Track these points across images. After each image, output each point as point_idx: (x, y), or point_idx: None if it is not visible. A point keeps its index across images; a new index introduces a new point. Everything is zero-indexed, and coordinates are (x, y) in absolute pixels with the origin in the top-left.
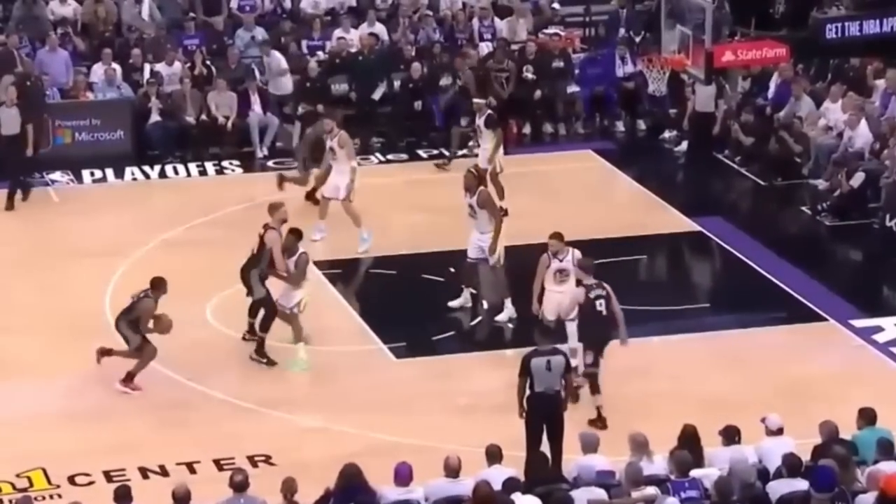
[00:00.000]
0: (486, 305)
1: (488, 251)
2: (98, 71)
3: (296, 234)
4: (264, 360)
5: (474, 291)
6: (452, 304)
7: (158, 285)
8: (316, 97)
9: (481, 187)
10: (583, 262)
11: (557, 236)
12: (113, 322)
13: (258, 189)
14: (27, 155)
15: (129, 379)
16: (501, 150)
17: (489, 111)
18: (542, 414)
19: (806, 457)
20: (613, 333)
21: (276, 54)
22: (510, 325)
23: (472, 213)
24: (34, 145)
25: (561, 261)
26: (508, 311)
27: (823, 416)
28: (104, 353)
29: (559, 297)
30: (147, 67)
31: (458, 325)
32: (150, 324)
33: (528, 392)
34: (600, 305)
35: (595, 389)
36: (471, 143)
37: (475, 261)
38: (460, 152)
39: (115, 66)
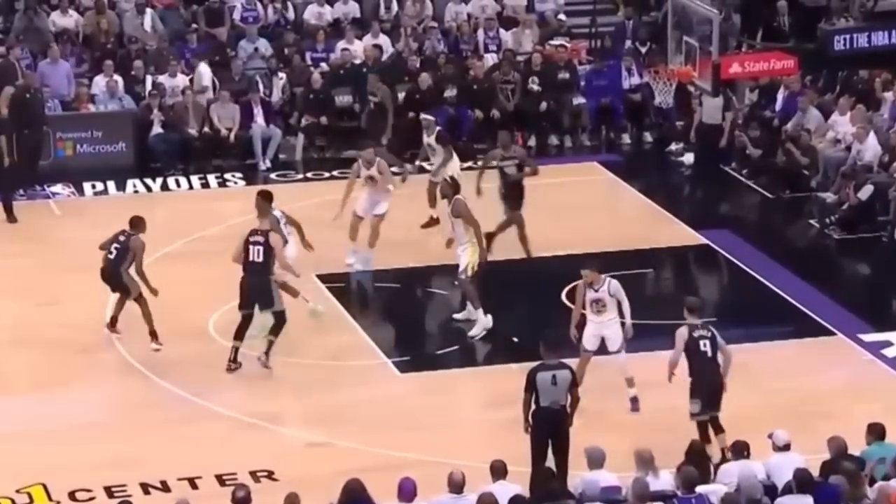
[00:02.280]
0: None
1: (479, 258)
2: (100, 83)
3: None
4: (236, 366)
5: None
6: (457, 316)
7: (138, 223)
8: (320, 109)
9: (457, 196)
10: (690, 302)
11: (592, 266)
12: (108, 284)
13: None
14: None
15: (154, 336)
16: (458, 165)
17: (438, 128)
18: (548, 429)
19: (815, 473)
20: (720, 381)
21: (202, 68)
22: (482, 335)
23: (451, 224)
24: (33, 157)
25: (597, 291)
26: (481, 322)
27: (832, 431)
28: (113, 323)
29: (598, 328)
30: (149, 79)
31: (462, 339)
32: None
33: (533, 407)
34: (704, 346)
35: (717, 430)
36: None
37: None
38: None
39: (117, 77)
